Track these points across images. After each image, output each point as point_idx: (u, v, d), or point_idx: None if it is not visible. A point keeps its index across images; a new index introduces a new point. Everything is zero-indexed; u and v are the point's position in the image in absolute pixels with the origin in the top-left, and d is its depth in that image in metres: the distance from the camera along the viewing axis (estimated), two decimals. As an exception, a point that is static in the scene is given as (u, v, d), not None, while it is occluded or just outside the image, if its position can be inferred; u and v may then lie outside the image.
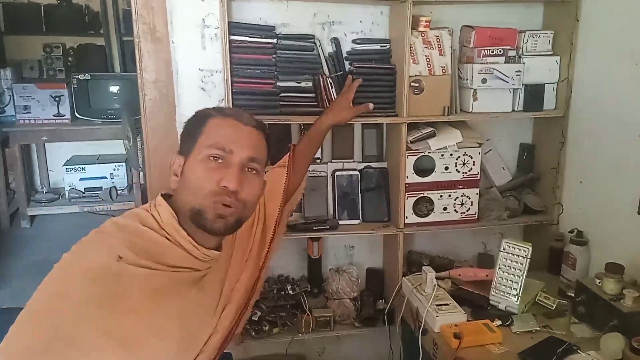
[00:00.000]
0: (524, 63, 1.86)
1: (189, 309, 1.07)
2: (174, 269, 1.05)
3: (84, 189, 3.93)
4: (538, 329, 1.56)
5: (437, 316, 1.57)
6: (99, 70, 4.12)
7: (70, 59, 4.15)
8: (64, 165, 4.03)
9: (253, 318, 1.85)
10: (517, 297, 1.61)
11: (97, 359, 0.93)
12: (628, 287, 1.52)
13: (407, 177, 1.84)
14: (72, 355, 0.91)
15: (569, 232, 1.87)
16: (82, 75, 3.68)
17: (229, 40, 1.65)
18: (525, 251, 1.63)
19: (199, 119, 1.12)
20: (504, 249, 1.66)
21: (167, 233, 1.06)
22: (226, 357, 1.53)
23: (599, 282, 1.57)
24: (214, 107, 1.18)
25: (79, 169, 3.98)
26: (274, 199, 1.44)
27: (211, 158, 1.05)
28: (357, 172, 1.95)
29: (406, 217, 1.87)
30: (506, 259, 1.65)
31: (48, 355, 0.89)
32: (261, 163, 1.12)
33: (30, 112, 3.69)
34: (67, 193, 4.03)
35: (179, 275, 1.06)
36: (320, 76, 1.77)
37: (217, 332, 1.18)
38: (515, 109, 1.89)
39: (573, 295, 1.66)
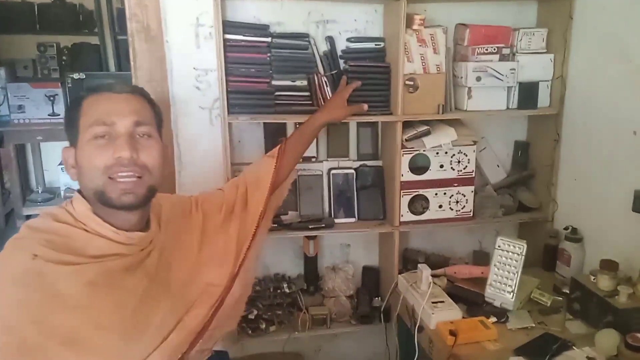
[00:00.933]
0: (518, 61, 1.86)
1: (129, 298, 1.04)
2: (100, 259, 1.02)
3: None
4: (533, 325, 1.57)
5: (432, 313, 1.57)
6: (93, 69, 4.09)
7: (64, 58, 4.13)
8: (59, 164, 4.01)
9: (249, 316, 1.86)
10: (512, 294, 1.62)
11: None
12: (622, 283, 1.53)
13: (402, 175, 1.84)
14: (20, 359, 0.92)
15: (564, 229, 1.88)
16: (77, 74, 3.65)
17: (223, 39, 1.65)
18: (520, 248, 1.64)
19: (73, 105, 1.08)
20: (499, 247, 1.67)
21: (84, 224, 1.03)
22: (222, 356, 1.54)
23: (594, 279, 1.58)
24: (87, 88, 1.12)
25: (74, 169, 3.92)
26: (260, 188, 1.41)
27: (97, 137, 1.02)
28: (352, 171, 1.95)
29: (402, 215, 1.88)
30: (501, 256, 1.66)
31: None
32: (150, 125, 1.08)
33: (24, 112, 3.67)
34: (62, 193, 4.01)
35: (108, 264, 1.03)
36: (315, 75, 1.77)
37: (184, 324, 1.15)
38: (510, 107, 1.90)
39: (568, 291, 1.67)
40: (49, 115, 3.65)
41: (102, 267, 1.02)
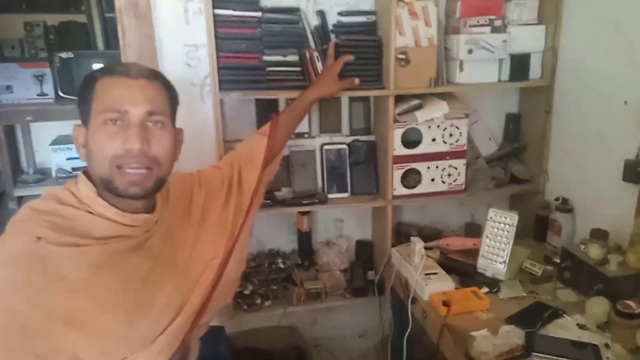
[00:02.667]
0: (510, 33, 1.85)
1: (133, 279, 1.04)
2: (104, 240, 1.01)
3: (72, 168, 3.89)
4: (524, 294, 1.59)
5: (426, 285, 1.60)
6: (81, 48, 4.03)
7: (52, 37, 4.06)
8: (50, 145, 3.98)
9: (245, 292, 1.88)
10: (504, 264, 1.64)
11: (48, 343, 0.93)
12: (612, 252, 1.56)
13: (394, 149, 1.85)
14: (23, 344, 0.92)
15: (555, 199, 1.90)
16: (65, 53, 3.60)
17: (213, 14, 1.63)
18: (511, 219, 1.65)
19: (87, 84, 1.04)
20: (490, 218, 1.68)
21: (89, 207, 1.03)
22: (218, 331, 1.56)
23: (584, 248, 1.60)
24: (101, 67, 1.07)
25: (65, 149, 3.93)
26: (253, 166, 1.41)
27: (108, 122, 1.00)
28: (345, 146, 1.96)
29: (394, 189, 1.89)
30: (493, 228, 1.68)
31: (0, 351, 0.90)
32: (164, 114, 1.06)
33: (13, 92, 3.62)
34: (54, 173, 3.98)
35: (112, 246, 1.02)
36: (306, 49, 1.75)
37: (190, 304, 1.16)
38: (502, 79, 1.89)
39: (558, 261, 1.70)
40: (37, 95, 3.61)
41: (106, 248, 1.01)
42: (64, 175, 3.89)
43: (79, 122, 1.08)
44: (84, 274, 0.97)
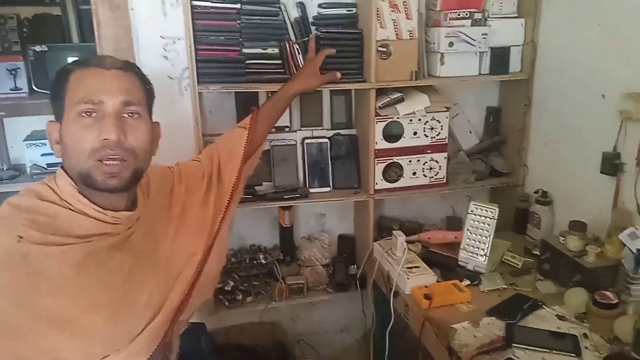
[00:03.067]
0: (490, 26, 1.86)
1: (116, 277, 1.03)
2: (86, 239, 1.00)
3: (46, 164, 3.80)
4: (505, 287, 1.61)
5: (407, 279, 1.60)
6: (56, 41, 3.93)
7: (25, 30, 3.96)
8: (24, 140, 3.89)
9: (226, 288, 1.86)
10: (484, 257, 1.65)
11: (31, 344, 0.92)
12: (591, 243, 1.58)
13: (376, 143, 1.84)
14: (6, 345, 0.90)
15: (534, 192, 1.92)
16: (39, 46, 3.51)
17: (190, 5, 1.60)
18: (492, 212, 1.66)
19: (60, 78, 1.02)
20: (471, 211, 1.69)
21: (69, 204, 1.00)
22: (199, 328, 1.54)
23: (563, 240, 1.62)
24: (74, 61, 1.06)
25: (40, 144, 3.83)
26: (233, 160, 1.39)
27: (83, 115, 0.97)
28: (326, 140, 1.95)
29: (376, 183, 1.88)
30: (474, 221, 1.69)
31: None
32: (140, 104, 1.04)
33: (-15, 87, 3.50)
34: (28, 169, 3.88)
35: (94, 244, 1.00)
36: (286, 42, 1.73)
37: (170, 301, 1.14)
38: (482, 73, 1.90)
39: (538, 253, 1.72)
40: (11, 89, 3.50)
41: (89, 247, 0.99)
42: (39, 171, 3.80)
43: (53, 117, 1.05)
44: (67, 273, 0.96)
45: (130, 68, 1.07)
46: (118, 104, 1.00)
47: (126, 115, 1.02)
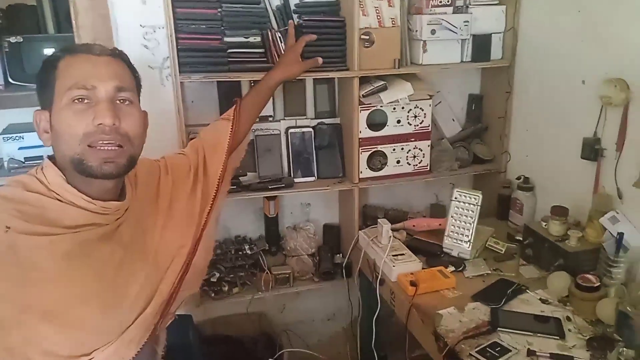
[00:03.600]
0: (472, 13, 1.86)
1: (107, 268, 1.02)
2: (75, 229, 0.98)
3: (24, 158, 3.73)
4: (489, 272, 1.63)
5: (393, 266, 1.61)
6: (31, 32, 3.85)
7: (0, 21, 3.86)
8: (0, 134, 3.82)
9: (212, 279, 1.85)
10: (469, 243, 1.67)
11: (20, 336, 0.91)
12: (572, 228, 1.60)
13: (360, 132, 1.84)
14: None
15: (516, 178, 1.94)
16: (14, 37, 3.43)
17: (171, -7, 1.58)
18: (475, 199, 1.68)
19: (48, 65, 1.00)
20: (455, 198, 1.71)
21: (57, 194, 0.99)
22: (186, 320, 1.53)
23: (545, 225, 1.65)
24: (62, 48, 1.04)
25: (17, 138, 3.76)
26: (218, 152, 1.38)
27: (75, 100, 0.96)
28: (310, 129, 1.94)
29: (361, 172, 1.89)
30: (458, 207, 1.70)
31: None
32: (131, 91, 1.04)
33: (-42, 79, 3.41)
34: (6, 164, 3.81)
35: (83, 234, 0.99)
36: (268, 30, 1.72)
37: (160, 293, 1.14)
38: (464, 60, 1.91)
39: (521, 238, 1.74)
40: (-14, 82, 3.42)
41: (78, 237, 0.98)
42: (16, 165, 3.72)
43: (33, 108, 1.03)
44: (57, 264, 0.94)
45: (119, 55, 1.06)
46: (111, 89, 0.99)
47: (119, 102, 1.01)
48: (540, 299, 1.47)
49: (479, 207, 1.67)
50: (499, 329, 1.33)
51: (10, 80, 3.72)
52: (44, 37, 3.97)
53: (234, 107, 1.46)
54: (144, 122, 1.08)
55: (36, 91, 1.03)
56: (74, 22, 1.65)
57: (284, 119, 1.95)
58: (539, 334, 1.31)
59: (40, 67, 1.02)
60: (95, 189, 1.01)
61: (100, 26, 1.66)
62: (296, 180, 1.89)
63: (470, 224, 1.67)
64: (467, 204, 1.68)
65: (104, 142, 0.97)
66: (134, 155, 1.03)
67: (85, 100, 0.97)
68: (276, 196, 1.94)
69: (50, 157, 1.03)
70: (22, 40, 3.52)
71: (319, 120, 1.97)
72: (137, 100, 1.07)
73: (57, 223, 0.97)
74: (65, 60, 1.00)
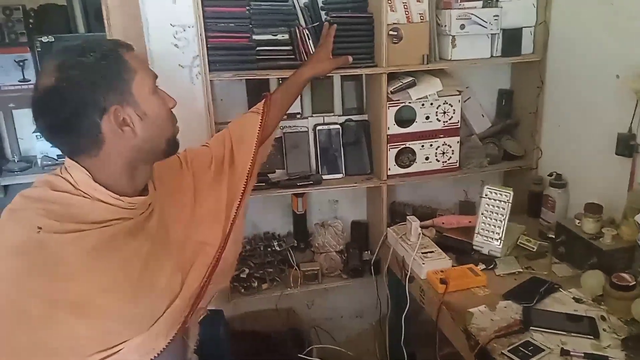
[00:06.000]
0: (502, 7, 1.83)
1: (133, 261, 1.04)
2: (101, 224, 1.00)
3: (57, 155, 3.82)
4: (520, 270, 1.60)
5: (423, 263, 1.60)
6: (62, 32, 3.94)
7: (31, 21, 3.96)
8: (34, 132, 3.91)
9: (241, 275, 1.87)
10: (499, 241, 1.65)
11: (50, 330, 0.93)
12: (606, 225, 1.57)
13: (388, 128, 1.83)
14: (24, 331, 0.91)
15: (548, 175, 1.91)
16: (46, 37, 3.51)
17: (200, -8, 1.59)
18: (506, 196, 1.66)
19: (113, 61, 0.99)
20: (485, 195, 1.69)
21: (84, 192, 1.01)
22: (218, 315, 1.55)
23: (578, 223, 1.61)
24: (110, 43, 1.04)
25: (50, 136, 3.82)
26: (247, 144, 1.39)
27: (157, 89, 1.07)
28: (338, 126, 1.94)
29: (389, 169, 1.88)
30: (488, 205, 1.68)
31: (4, 340, 0.90)
32: None
33: (-6, 79, 3.50)
34: (39, 161, 3.91)
35: (110, 229, 1.01)
36: (296, 28, 1.72)
37: (187, 286, 1.15)
38: (494, 55, 1.88)
39: (553, 236, 1.71)
40: (19, 81, 3.52)
41: (105, 232, 1.00)
42: (49, 162, 3.81)
43: None
44: (84, 258, 0.96)
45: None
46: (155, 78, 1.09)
47: None
48: (573, 298, 1.44)
49: (510, 204, 1.65)
50: (531, 328, 1.31)
51: (43, 79, 3.74)
52: (75, 36, 4.06)
53: (263, 100, 1.47)
54: None
55: (100, 89, 0.97)
56: (105, 21, 1.67)
57: (312, 116, 1.96)
58: (572, 334, 1.28)
59: (94, 64, 0.97)
60: (124, 187, 1.04)
61: (131, 25, 1.68)
62: (324, 177, 1.90)
63: (501, 222, 1.65)
64: (497, 201, 1.66)
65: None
66: None
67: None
68: (304, 193, 1.95)
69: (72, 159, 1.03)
70: (53, 39, 3.62)
71: (347, 117, 1.97)
72: None
73: (84, 219, 0.99)
74: (128, 54, 1.03)
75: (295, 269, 1.93)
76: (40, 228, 0.94)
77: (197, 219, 1.24)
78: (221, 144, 1.39)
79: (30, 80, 3.47)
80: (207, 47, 1.63)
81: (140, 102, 1.02)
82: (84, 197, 1.01)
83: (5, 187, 3.73)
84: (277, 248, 1.94)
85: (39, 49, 3.41)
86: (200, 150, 1.38)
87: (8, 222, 0.97)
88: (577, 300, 1.43)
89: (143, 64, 1.06)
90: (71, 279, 0.95)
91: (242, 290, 1.88)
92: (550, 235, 1.75)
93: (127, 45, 1.05)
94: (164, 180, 1.22)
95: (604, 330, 1.30)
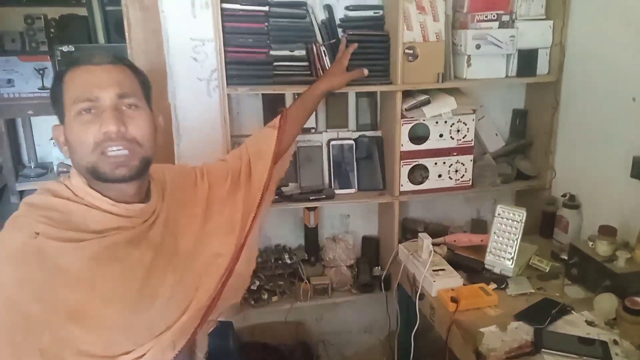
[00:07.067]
0: (518, 28, 1.84)
1: (135, 271, 1.04)
2: (102, 233, 1.01)
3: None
4: (532, 291, 1.59)
5: (434, 281, 1.59)
6: (82, 42, 4.01)
7: (52, 30, 4.03)
8: (51, 139, 3.96)
9: (252, 287, 1.87)
10: (511, 260, 1.64)
11: (51, 337, 0.94)
12: (620, 248, 1.55)
13: (402, 145, 1.84)
14: (27, 339, 0.92)
15: (562, 196, 1.90)
16: (66, 46, 3.58)
17: (220, 8, 1.62)
18: (519, 216, 1.65)
19: (56, 81, 1.05)
20: (498, 214, 1.68)
21: (82, 199, 1.02)
22: (227, 326, 1.56)
23: (592, 245, 1.60)
24: (68, 63, 1.08)
25: (67, 143, 3.87)
26: (263, 158, 1.40)
27: (82, 112, 0.99)
28: (351, 141, 1.95)
29: (401, 185, 1.88)
30: (501, 224, 1.67)
31: (6, 346, 0.91)
32: (136, 96, 1.05)
33: (14, 86, 3.60)
34: (55, 167, 3.97)
35: (110, 239, 1.02)
36: (313, 44, 1.74)
37: (197, 300, 1.15)
38: (509, 75, 1.89)
39: (566, 257, 1.69)
40: (38, 89, 3.59)
41: (105, 241, 1.01)
42: (65, 169, 3.87)
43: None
44: (84, 267, 0.97)
45: (121, 61, 1.08)
46: (114, 97, 1.01)
47: (124, 108, 1.02)
48: (586, 321, 1.43)
49: (522, 224, 1.64)
50: (542, 350, 1.29)
51: (62, 88, 3.79)
52: (95, 46, 4.13)
53: (279, 115, 1.48)
54: (152, 123, 1.09)
55: (52, 107, 1.06)
56: (126, 34, 1.71)
57: (326, 131, 1.97)
58: (584, 357, 1.27)
59: (51, 82, 1.07)
60: (117, 193, 1.04)
61: (151, 39, 1.72)
62: (337, 191, 1.91)
63: (514, 241, 1.64)
64: (510, 221, 1.66)
65: (113, 148, 0.99)
66: (146, 157, 1.05)
67: (92, 111, 1.00)
68: (316, 207, 1.96)
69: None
70: (73, 49, 3.68)
71: (361, 133, 1.98)
72: (145, 103, 1.08)
73: (84, 228, 1.00)
74: (68, 75, 1.03)
75: (306, 282, 1.93)
76: (37, 233, 0.96)
77: (209, 230, 1.24)
78: (238, 158, 1.40)
79: (49, 88, 3.53)
80: (225, 61, 1.66)
81: (66, 125, 1.02)
82: (83, 204, 1.02)
83: (21, 192, 3.79)
84: (288, 261, 1.95)
85: (59, 58, 3.47)
86: (217, 164, 1.39)
87: (8, 229, 0.99)
88: (590, 324, 1.42)
89: (80, 86, 1.01)
90: (70, 287, 0.96)
91: (252, 302, 1.88)
92: (563, 257, 1.73)
93: (82, 61, 1.04)
94: (177, 192, 1.23)
95: (616, 354, 1.28)
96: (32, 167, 4.00)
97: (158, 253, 1.10)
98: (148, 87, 1.12)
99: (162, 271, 1.09)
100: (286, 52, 1.73)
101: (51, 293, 0.94)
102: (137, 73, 1.10)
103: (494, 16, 1.81)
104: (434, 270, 1.64)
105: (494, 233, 1.68)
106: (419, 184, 1.91)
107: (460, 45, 1.81)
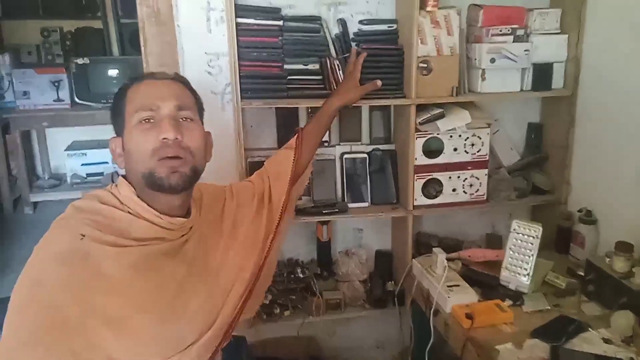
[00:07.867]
0: (532, 42, 1.83)
1: (169, 283, 1.07)
2: (143, 242, 1.05)
3: (86, 174, 3.91)
4: (548, 308, 1.57)
5: (448, 297, 1.58)
6: (97, 54, 4.06)
7: (68, 43, 4.10)
8: (65, 150, 4.01)
9: (264, 301, 1.86)
10: (527, 276, 1.62)
11: (85, 340, 0.94)
12: (637, 265, 1.53)
13: (416, 159, 1.83)
14: (61, 340, 0.93)
15: (578, 211, 1.88)
16: (81, 59, 3.63)
17: (235, 22, 1.63)
18: (535, 231, 1.63)
19: (118, 95, 1.11)
20: (514, 230, 1.66)
21: (129, 208, 1.06)
22: (240, 341, 1.55)
23: (609, 261, 1.58)
24: (129, 78, 1.15)
25: (80, 154, 3.95)
26: (281, 180, 1.43)
27: (143, 122, 1.05)
28: (365, 155, 1.95)
29: (415, 199, 1.87)
30: (516, 239, 1.66)
31: (39, 345, 0.91)
32: (192, 110, 1.11)
33: (29, 98, 3.66)
34: (69, 179, 4.01)
35: (150, 248, 1.05)
36: (327, 58, 1.75)
37: (223, 315, 1.18)
38: (524, 89, 1.88)
39: (582, 274, 1.67)
40: (54, 100, 3.64)
41: (144, 250, 1.04)
42: (79, 181, 3.91)
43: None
44: (123, 274, 0.99)
45: (180, 79, 1.16)
46: (172, 108, 1.07)
47: (181, 119, 1.08)
48: (602, 339, 1.40)
49: (539, 240, 1.62)
50: (560, 368, 1.28)
51: (76, 99, 3.90)
52: (109, 59, 4.19)
53: (295, 136, 1.50)
54: (205, 138, 1.15)
55: (111, 120, 1.13)
56: (142, 48, 1.72)
57: (339, 145, 1.97)
58: (602, 376, 1.25)
59: (114, 97, 1.13)
60: (164, 204, 1.08)
61: (167, 53, 1.73)
62: (350, 205, 1.90)
63: (530, 257, 1.62)
64: (526, 236, 1.64)
65: (169, 154, 1.04)
66: (196, 167, 1.09)
67: (151, 120, 1.05)
68: (329, 221, 1.95)
69: (124, 177, 1.11)
70: (88, 61, 3.73)
71: (374, 146, 1.98)
72: (199, 119, 1.15)
73: (126, 234, 1.03)
74: (132, 89, 1.10)
75: (318, 296, 1.92)
76: (83, 235, 0.98)
77: (236, 249, 1.27)
78: (261, 180, 1.44)
79: (64, 100, 3.59)
80: (239, 75, 1.67)
81: (125, 135, 1.08)
82: (129, 212, 1.06)
83: (35, 203, 3.84)
84: (301, 275, 1.94)
85: (74, 70, 3.53)
86: (244, 184, 1.44)
87: (55, 230, 1.02)
88: (606, 341, 1.39)
89: (142, 97, 1.07)
90: (108, 293, 0.97)
91: (264, 317, 1.88)
92: (579, 273, 1.71)
93: (145, 76, 1.13)
94: (210, 209, 1.27)
95: (635, 373, 1.26)
96: (46, 178, 4.05)
97: (190, 267, 1.12)
98: (201, 106, 1.19)
99: (193, 285, 1.12)
100: (300, 66, 1.74)
101: (90, 297, 0.96)
102: (192, 91, 1.17)
103: (508, 30, 1.80)
104: (448, 286, 1.62)
105: (510, 249, 1.66)
106: (433, 198, 1.90)
107: (475, 59, 1.81)
